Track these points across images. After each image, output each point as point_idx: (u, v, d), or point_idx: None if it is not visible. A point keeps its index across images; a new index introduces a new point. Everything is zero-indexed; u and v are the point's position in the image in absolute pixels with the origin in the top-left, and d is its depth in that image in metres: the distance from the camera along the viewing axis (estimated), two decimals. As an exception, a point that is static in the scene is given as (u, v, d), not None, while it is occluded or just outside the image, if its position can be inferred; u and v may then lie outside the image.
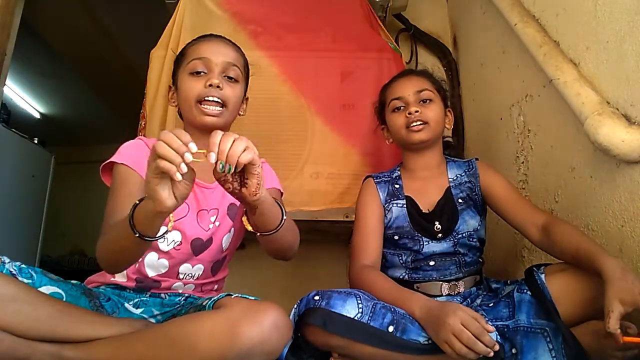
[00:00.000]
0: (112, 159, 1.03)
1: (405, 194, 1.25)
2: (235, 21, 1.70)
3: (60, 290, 0.89)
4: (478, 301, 1.11)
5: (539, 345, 0.90)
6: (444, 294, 1.15)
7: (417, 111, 1.21)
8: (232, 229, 1.12)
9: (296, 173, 1.58)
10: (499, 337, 0.92)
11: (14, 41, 1.76)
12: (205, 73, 1.06)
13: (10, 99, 3.91)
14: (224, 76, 1.07)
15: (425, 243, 1.18)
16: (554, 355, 0.88)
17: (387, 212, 1.24)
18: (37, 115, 4.41)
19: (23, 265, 0.88)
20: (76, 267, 4.73)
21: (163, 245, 1.04)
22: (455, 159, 1.36)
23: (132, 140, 1.11)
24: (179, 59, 1.13)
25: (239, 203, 1.08)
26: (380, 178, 1.31)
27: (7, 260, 0.86)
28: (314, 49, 1.68)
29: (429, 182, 1.27)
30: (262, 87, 1.62)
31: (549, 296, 0.93)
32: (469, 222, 1.20)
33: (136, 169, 1.01)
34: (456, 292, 1.15)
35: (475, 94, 1.86)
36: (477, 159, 1.32)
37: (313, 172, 1.58)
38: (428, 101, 1.24)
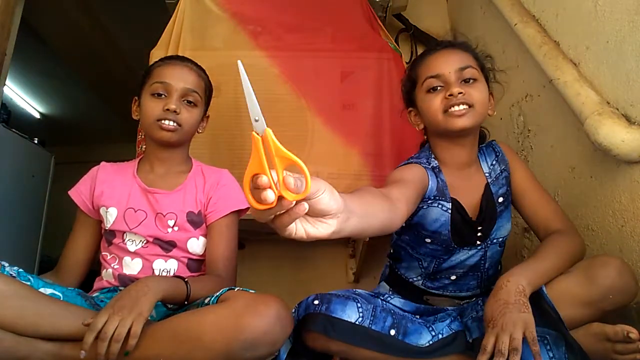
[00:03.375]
0: (71, 195, 1.17)
1: (451, 196, 1.06)
2: (235, 21, 1.70)
3: (57, 292, 0.90)
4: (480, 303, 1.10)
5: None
6: (450, 308, 1.09)
7: (460, 92, 0.99)
8: (201, 237, 1.15)
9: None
10: None
11: (14, 41, 1.75)
12: (165, 96, 1.13)
13: (10, 99, 3.91)
14: (183, 100, 1.14)
15: (455, 253, 1.08)
16: None
17: (426, 208, 1.05)
18: (37, 115, 4.40)
19: (21, 270, 0.90)
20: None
21: (132, 246, 1.11)
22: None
23: (91, 170, 1.22)
24: (145, 77, 1.19)
25: (197, 211, 1.15)
26: (424, 165, 1.07)
27: (6, 264, 0.88)
28: (314, 49, 1.68)
29: (468, 180, 1.09)
30: (263, 88, 1.61)
31: (552, 304, 0.89)
32: (505, 226, 1.10)
33: (84, 209, 1.16)
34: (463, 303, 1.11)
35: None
36: (495, 141, 1.17)
37: (313, 172, 1.57)
38: (472, 80, 1.03)
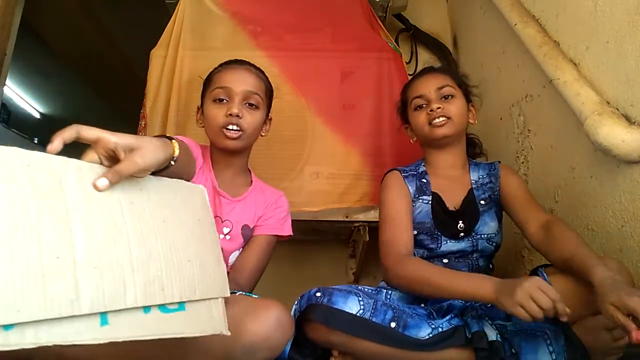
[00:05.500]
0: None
1: (432, 190, 1.24)
2: (235, 21, 1.70)
3: None
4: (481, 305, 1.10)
5: (539, 348, 0.89)
6: None
7: (439, 107, 1.20)
8: (241, 249, 1.16)
9: (296, 173, 1.58)
10: (498, 336, 0.92)
11: (14, 41, 1.75)
12: (227, 101, 1.12)
13: (10, 99, 3.91)
14: (245, 104, 1.13)
15: (443, 242, 1.17)
16: (554, 357, 0.87)
17: (413, 206, 1.23)
18: (37, 115, 4.41)
19: None
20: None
21: None
22: (477, 161, 1.35)
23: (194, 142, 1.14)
24: (206, 84, 1.19)
25: (253, 226, 1.15)
26: (407, 172, 1.28)
27: None
28: (314, 49, 1.68)
29: (454, 181, 1.26)
30: (262, 87, 1.62)
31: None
32: (489, 224, 1.20)
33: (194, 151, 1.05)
34: None
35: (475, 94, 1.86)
36: (499, 162, 1.31)
37: (313, 172, 1.58)
38: (450, 97, 1.23)
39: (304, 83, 1.63)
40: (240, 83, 1.13)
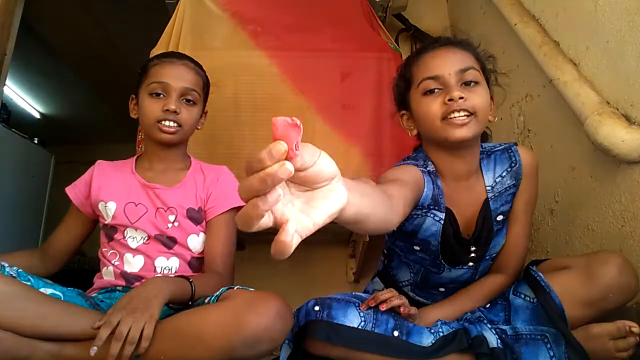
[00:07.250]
0: (67, 191, 1.18)
1: (446, 205, 0.98)
2: (235, 21, 1.70)
3: (57, 292, 0.90)
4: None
5: (540, 352, 0.88)
6: None
7: (461, 97, 0.89)
8: (201, 233, 1.15)
9: (296, 172, 1.57)
10: (499, 342, 0.91)
11: (14, 41, 1.75)
12: (164, 95, 1.12)
13: (10, 99, 3.90)
14: (182, 99, 1.14)
15: (446, 269, 1.04)
16: None
17: (419, 217, 0.98)
18: (37, 115, 4.40)
19: (21, 270, 0.90)
20: (76, 267, 4.72)
21: (133, 243, 1.11)
22: (487, 148, 1.04)
23: (88, 170, 1.21)
24: (142, 75, 1.18)
25: (197, 207, 1.15)
26: (420, 167, 0.99)
27: (6, 264, 0.88)
28: (314, 49, 1.68)
29: (465, 190, 1.01)
30: (262, 87, 1.62)
31: (558, 300, 0.89)
32: (499, 243, 1.04)
33: (77, 204, 1.17)
34: None
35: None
36: (515, 144, 1.03)
37: (313, 172, 1.58)
38: (473, 83, 0.92)
39: (303, 83, 1.63)
40: (178, 79, 1.13)
